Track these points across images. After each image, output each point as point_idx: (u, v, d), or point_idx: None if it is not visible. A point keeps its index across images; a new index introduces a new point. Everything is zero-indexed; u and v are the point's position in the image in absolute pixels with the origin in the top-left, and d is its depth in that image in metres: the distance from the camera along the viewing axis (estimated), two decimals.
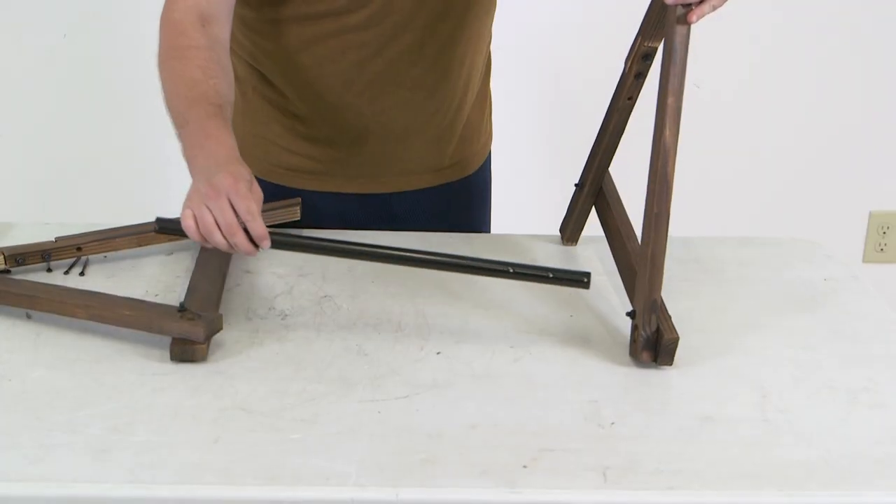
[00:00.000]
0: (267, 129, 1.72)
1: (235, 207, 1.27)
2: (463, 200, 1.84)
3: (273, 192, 1.72)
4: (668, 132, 1.31)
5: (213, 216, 1.27)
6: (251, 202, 1.28)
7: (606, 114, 1.55)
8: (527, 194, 2.72)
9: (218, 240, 1.28)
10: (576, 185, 1.64)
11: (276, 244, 1.32)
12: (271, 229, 1.30)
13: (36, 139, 2.78)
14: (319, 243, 1.37)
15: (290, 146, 1.71)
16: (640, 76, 1.47)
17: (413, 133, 1.70)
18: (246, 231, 1.28)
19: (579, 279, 1.36)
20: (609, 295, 1.51)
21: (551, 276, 1.37)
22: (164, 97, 1.41)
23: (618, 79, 1.50)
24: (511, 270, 1.37)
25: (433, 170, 1.76)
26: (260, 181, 1.75)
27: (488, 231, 1.90)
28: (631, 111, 1.52)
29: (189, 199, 1.30)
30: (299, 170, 1.72)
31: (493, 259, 1.39)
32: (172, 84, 1.41)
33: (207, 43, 1.44)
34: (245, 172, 1.31)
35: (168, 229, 1.35)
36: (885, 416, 1.25)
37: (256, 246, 1.29)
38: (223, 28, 1.48)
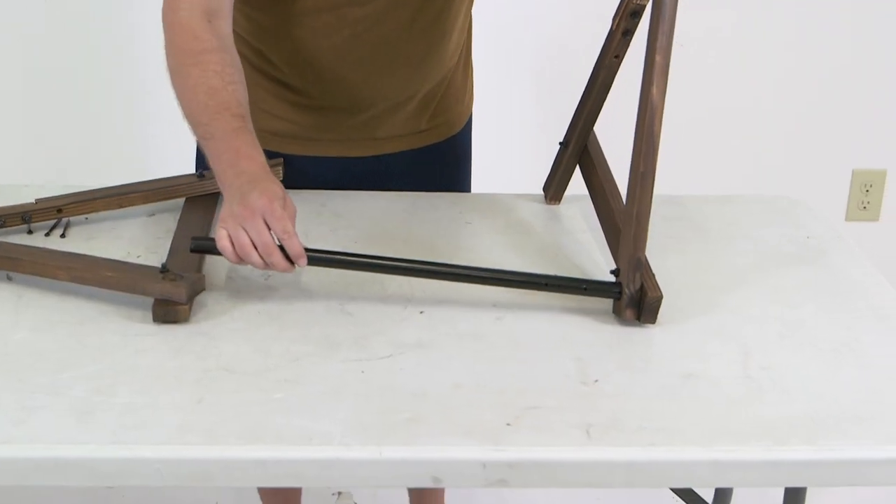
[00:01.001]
0: (250, 93, 1.70)
1: (271, 227, 1.29)
2: (447, 161, 1.83)
3: None
4: (655, 90, 1.30)
5: (250, 237, 1.28)
6: (286, 221, 1.30)
7: (593, 72, 1.54)
8: (510, 153, 2.71)
9: (255, 259, 1.29)
10: (560, 143, 1.63)
11: (312, 260, 1.33)
12: (306, 248, 1.31)
13: (14, 100, 2.76)
14: (358, 260, 1.36)
15: (273, 110, 1.70)
16: (628, 34, 1.47)
17: (403, 102, 1.70)
18: (282, 250, 1.29)
19: (612, 290, 1.35)
20: (593, 253, 1.51)
21: (585, 287, 1.36)
22: (180, 103, 1.40)
23: (605, 37, 1.50)
24: (546, 283, 1.37)
25: (417, 132, 1.75)
26: None
27: (468, 190, 1.90)
28: (617, 70, 1.52)
29: (223, 220, 1.31)
30: (283, 134, 1.71)
31: (528, 272, 1.39)
32: (191, 92, 1.39)
33: (219, 43, 1.42)
34: (278, 190, 1.32)
35: (203, 248, 1.36)
36: (867, 372, 1.25)
37: (293, 264, 1.31)
38: (228, 19, 1.47)
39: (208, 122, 1.37)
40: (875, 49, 2.84)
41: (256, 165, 1.35)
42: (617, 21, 1.46)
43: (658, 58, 1.30)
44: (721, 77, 2.84)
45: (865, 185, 2.97)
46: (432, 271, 1.36)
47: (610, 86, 1.54)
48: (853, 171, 2.97)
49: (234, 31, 1.64)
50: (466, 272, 1.37)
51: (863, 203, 2.99)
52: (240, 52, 1.65)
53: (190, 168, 1.70)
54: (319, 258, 1.34)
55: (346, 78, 1.64)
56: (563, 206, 1.67)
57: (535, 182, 1.71)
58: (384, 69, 1.64)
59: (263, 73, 1.67)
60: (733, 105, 2.87)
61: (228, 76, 1.40)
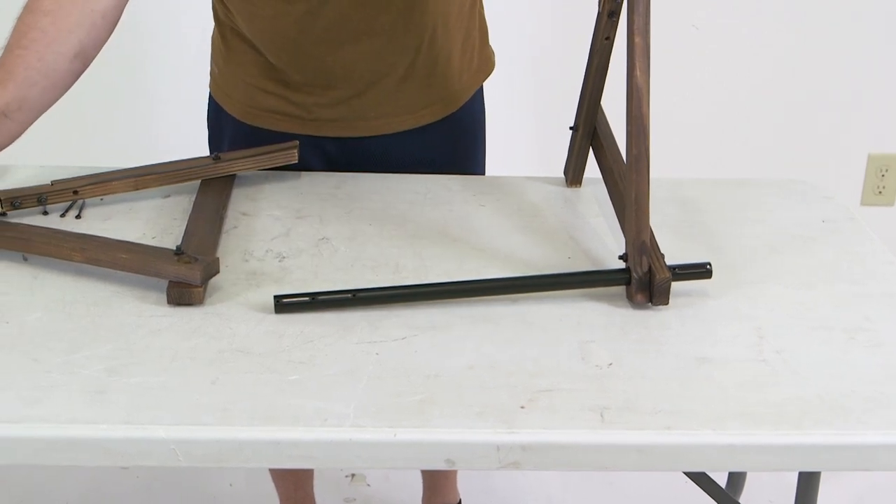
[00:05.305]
0: (245, 72, 1.71)
1: None
2: (448, 140, 1.81)
3: (256, 135, 1.71)
4: (638, 72, 1.30)
5: None
6: None
7: (588, 56, 1.54)
8: (534, 136, 2.71)
9: None
10: (570, 128, 1.63)
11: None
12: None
13: None
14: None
15: (267, 87, 1.70)
16: (614, 15, 1.47)
17: (379, 77, 1.68)
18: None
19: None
20: (605, 237, 1.51)
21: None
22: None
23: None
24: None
25: (410, 112, 1.74)
26: (241, 124, 1.73)
27: (482, 169, 1.89)
28: (610, 51, 1.51)
29: None
30: (278, 112, 1.71)
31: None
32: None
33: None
34: None
35: None
36: (880, 355, 1.25)
37: None
38: None
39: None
40: (892, 32, 2.82)
41: None
42: (602, 2, 1.46)
43: (637, 39, 1.30)
44: (737, 61, 2.83)
45: (881, 170, 2.96)
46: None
47: (606, 67, 1.53)
48: (869, 156, 2.96)
49: (222, 2, 1.66)
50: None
51: (878, 187, 2.98)
52: (231, 26, 1.68)
53: (204, 151, 1.71)
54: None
55: (312, 53, 1.64)
56: (581, 190, 1.67)
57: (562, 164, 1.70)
58: (349, 42, 1.63)
59: (254, 49, 1.68)
60: (747, 87, 2.86)
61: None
